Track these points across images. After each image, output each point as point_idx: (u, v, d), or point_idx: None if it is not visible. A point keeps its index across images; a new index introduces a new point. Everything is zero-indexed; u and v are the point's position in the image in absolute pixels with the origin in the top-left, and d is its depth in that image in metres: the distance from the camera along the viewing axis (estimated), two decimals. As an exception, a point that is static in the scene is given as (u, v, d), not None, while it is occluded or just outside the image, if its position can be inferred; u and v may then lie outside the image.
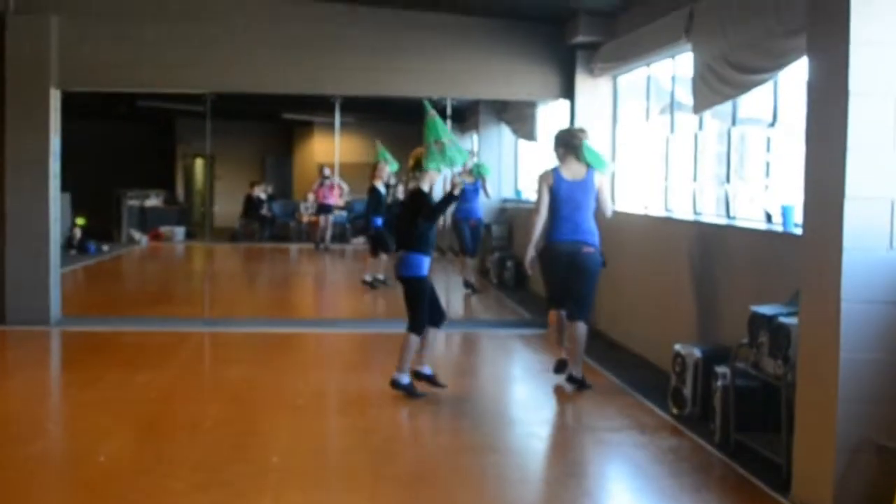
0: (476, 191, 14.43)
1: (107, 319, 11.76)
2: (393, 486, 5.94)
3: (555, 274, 8.32)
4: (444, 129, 8.33)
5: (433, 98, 12.47)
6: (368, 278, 14.94)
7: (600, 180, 8.27)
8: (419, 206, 7.86)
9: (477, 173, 12.65)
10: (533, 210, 8.36)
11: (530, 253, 8.37)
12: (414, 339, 7.84)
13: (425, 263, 7.89)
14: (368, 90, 11.83)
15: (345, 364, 9.79)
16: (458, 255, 15.20)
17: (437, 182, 8.06)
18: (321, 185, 21.32)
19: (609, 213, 8.44)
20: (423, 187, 7.93)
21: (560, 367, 8.50)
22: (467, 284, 14.59)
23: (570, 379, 8.23)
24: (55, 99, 11.07)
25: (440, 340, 10.81)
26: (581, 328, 8.19)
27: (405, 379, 7.82)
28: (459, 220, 14.45)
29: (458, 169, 9.04)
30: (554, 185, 8.19)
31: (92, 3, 11.23)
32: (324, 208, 21.34)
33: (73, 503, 5.55)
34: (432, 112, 8.32)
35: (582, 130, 8.45)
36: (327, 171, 20.98)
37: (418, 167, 8.00)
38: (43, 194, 11.01)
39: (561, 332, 8.50)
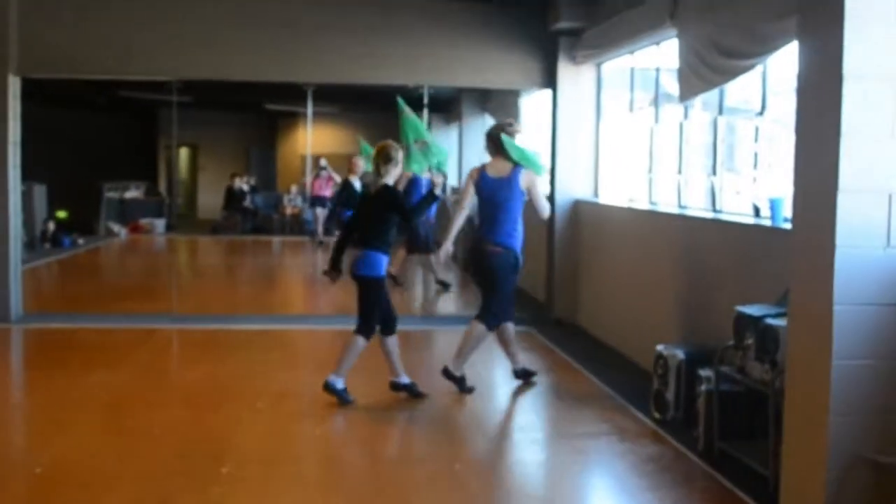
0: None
1: (70, 316, 11.30)
2: (344, 501, 5.50)
3: (475, 274, 8.24)
4: (423, 128, 8.00)
5: (409, 86, 12.11)
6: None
7: (528, 179, 7.84)
8: (389, 204, 7.41)
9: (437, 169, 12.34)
10: (455, 203, 8.10)
11: (446, 247, 8.16)
12: (360, 343, 7.40)
13: (384, 263, 7.48)
14: (343, 78, 11.35)
15: (314, 363, 9.31)
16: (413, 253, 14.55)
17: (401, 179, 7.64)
18: (317, 176, 20.86)
19: (544, 214, 8.12)
20: (389, 182, 7.48)
21: (526, 374, 8.24)
22: (441, 283, 14.15)
23: (445, 372, 7.90)
24: (14, 86, 10.58)
25: (415, 337, 10.43)
26: (478, 328, 7.88)
27: (340, 383, 7.37)
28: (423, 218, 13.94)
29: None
30: (479, 182, 7.88)
31: (52, -16, 10.76)
32: (318, 201, 20.84)
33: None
34: (407, 110, 7.99)
35: (510, 125, 8.07)
36: (324, 163, 20.55)
37: (385, 161, 7.49)
38: (2, 187, 10.53)
39: (504, 339, 8.18)
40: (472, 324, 7.91)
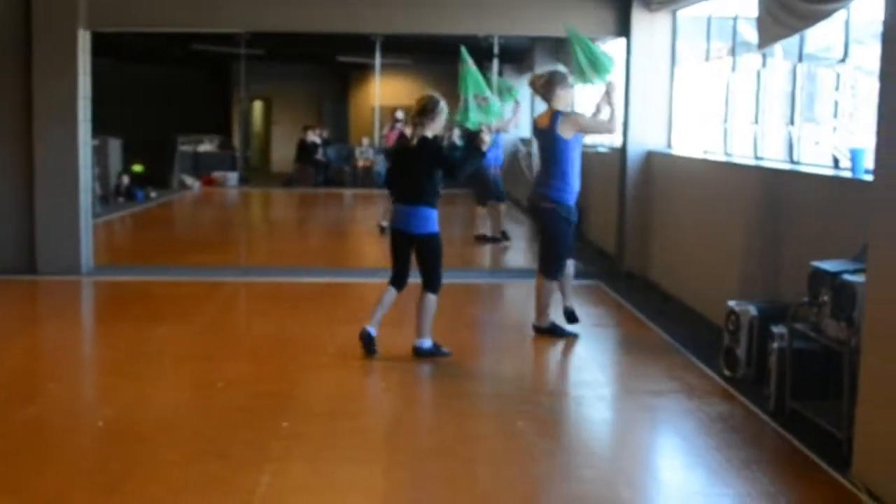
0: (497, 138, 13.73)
1: (140, 269, 11.39)
2: (408, 458, 5.44)
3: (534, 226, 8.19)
4: (484, 84, 7.83)
5: (479, 35, 11.87)
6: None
7: (570, 123, 7.69)
8: (432, 156, 7.20)
9: (508, 97, 12.13)
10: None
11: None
12: (433, 299, 7.27)
13: (436, 218, 7.29)
14: (409, 28, 11.15)
15: (386, 319, 9.28)
16: (485, 205, 14.30)
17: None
18: (392, 128, 20.63)
19: (611, 130, 8.10)
20: (428, 134, 7.27)
21: (570, 317, 8.14)
22: (504, 235, 13.98)
23: (536, 329, 8.00)
24: (84, 40, 10.60)
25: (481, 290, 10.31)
26: (542, 281, 7.87)
27: (427, 343, 7.28)
28: (487, 168, 13.73)
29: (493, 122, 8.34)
30: (532, 132, 7.78)
31: (122, -62, 10.74)
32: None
33: (57, 474, 5.07)
34: (470, 62, 7.78)
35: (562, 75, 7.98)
36: (400, 115, 20.30)
37: (421, 114, 7.21)
38: (72, 140, 10.58)
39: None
40: (538, 278, 7.87)
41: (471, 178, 13.07)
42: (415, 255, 7.35)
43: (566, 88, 7.84)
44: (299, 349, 7.70)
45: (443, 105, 7.24)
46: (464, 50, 7.93)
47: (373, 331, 7.28)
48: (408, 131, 7.36)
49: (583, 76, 8.00)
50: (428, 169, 7.17)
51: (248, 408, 6.14)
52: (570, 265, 8.06)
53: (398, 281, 7.42)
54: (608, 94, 7.95)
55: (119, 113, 20.76)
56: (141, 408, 6.17)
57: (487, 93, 7.89)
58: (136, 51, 21.10)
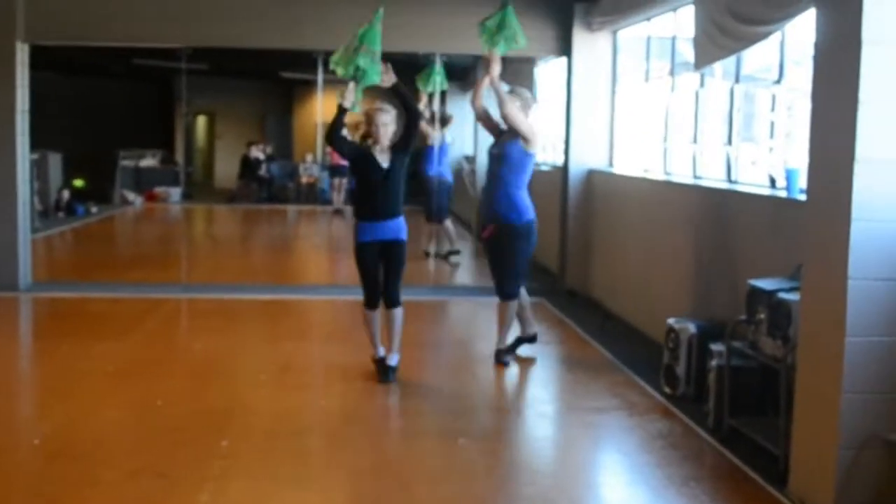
0: (445, 148, 13.72)
1: (79, 285, 11.22)
2: (347, 476, 5.41)
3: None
4: (378, 42, 7.28)
5: (419, 53, 11.87)
6: None
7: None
8: (405, 158, 7.23)
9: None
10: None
11: None
12: (402, 313, 7.28)
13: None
14: (353, 45, 11.14)
15: (323, 334, 9.26)
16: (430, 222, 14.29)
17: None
18: None
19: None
20: (387, 143, 7.20)
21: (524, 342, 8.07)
22: (452, 252, 13.99)
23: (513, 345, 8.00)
24: (22, 53, 10.46)
25: (423, 307, 10.32)
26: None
27: (394, 359, 7.27)
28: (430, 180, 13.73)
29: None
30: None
31: (60, -51, 10.61)
32: (338, 170, 20.55)
33: (-6, 493, 5.00)
34: (378, 24, 7.37)
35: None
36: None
37: (379, 125, 7.16)
38: (10, 154, 10.42)
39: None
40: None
41: (417, 194, 13.08)
42: (386, 266, 7.22)
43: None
44: (240, 366, 7.64)
45: (390, 109, 7.25)
46: (378, 12, 7.54)
47: (382, 352, 7.29)
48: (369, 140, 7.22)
49: (491, 40, 8.00)
50: (397, 178, 7.16)
51: (187, 426, 6.07)
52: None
53: (377, 299, 7.27)
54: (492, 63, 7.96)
55: (60, 127, 20.51)
56: (78, 426, 6.08)
57: (377, 48, 7.26)
58: (78, 64, 20.87)
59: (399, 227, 7.19)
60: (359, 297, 7.41)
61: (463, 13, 10.74)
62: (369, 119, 7.25)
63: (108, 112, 23.98)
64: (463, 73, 19.60)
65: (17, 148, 10.47)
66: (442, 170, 13.64)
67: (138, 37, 11.05)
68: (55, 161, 19.43)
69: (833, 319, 4.68)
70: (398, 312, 7.22)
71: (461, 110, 20.17)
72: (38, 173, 16.03)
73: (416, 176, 12.56)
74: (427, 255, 13.94)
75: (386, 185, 7.14)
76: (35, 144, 11.03)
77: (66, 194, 19.34)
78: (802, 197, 5.91)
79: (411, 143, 7.25)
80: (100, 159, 22.53)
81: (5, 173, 10.41)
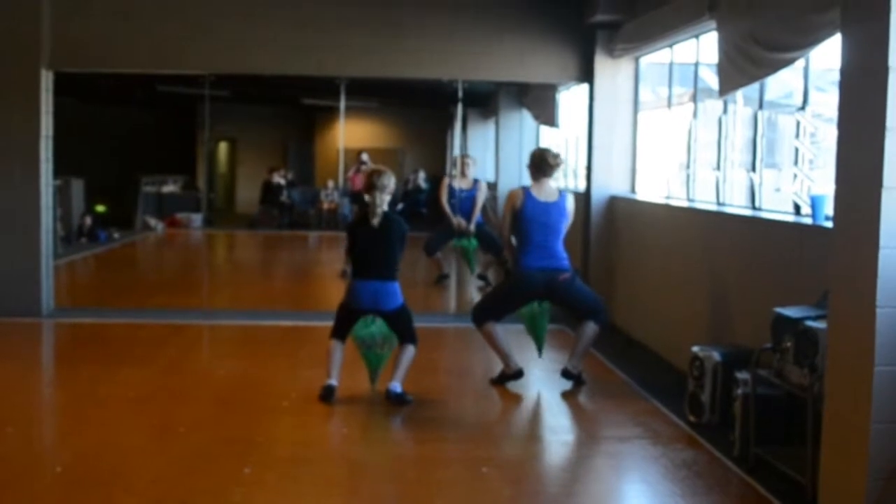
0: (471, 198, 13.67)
1: (101, 311, 11.25)
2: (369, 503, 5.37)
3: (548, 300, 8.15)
4: None
5: (444, 80, 11.90)
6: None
7: (569, 197, 7.98)
8: (399, 235, 7.33)
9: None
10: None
11: None
12: (414, 351, 7.42)
13: (400, 290, 7.45)
14: (375, 72, 11.14)
15: (347, 363, 9.20)
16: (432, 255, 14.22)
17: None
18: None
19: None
20: (385, 207, 7.36)
21: (513, 377, 7.99)
22: (482, 277, 13.96)
23: (566, 373, 7.97)
24: (46, 80, 10.55)
25: (448, 334, 10.30)
26: (590, 326, 7.96)
27: (400, 388, 7.28)
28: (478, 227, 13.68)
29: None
30: (524, 204, 7.82)
31: (85, -21, 10.71)
32: (359, 197, 20.52)
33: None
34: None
35: (556, 156, 8.03)
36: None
37: (375, 188, 7.28)
38: (33, 180, 10.49)
39: (501, 343, 7.98)
40: (585, 324, 7.99)
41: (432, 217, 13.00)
42: (388, 326, 7.41)
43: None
44: (262, 393, 7.62)
45: (390, 175, 7.36)
46: None
47: (335, 383, 7.31)
48: (367, 198, 7.32)
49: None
50: (395, 245, 7.27)
51: (209, 453, 6.06)
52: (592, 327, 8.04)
53: (343, 337, 7.48)
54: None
55: (83, 153, 20.65)
56: (100, 452, 6.07)
57: None
58: (101, 91, 21.03)
59: (382, 292, 7.27)
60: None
61: (484, 41, 10.84)
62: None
63: (130, 138, 24.15)
64: (485, 100, 19.66)
65: (41, 174, 10.53)
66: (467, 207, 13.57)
67: (161, 64, 11.13)
68: (78, 187, 19.54)
69: (861, 348, 4.63)
70: (405, 348, 7.37)
71: (482, 135, 20.28)
72: (61, 199, 16.08)
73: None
74: (445, 276, 14.02)
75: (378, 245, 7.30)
76: (58, 170, 11.08)
77: (88, 220, 19.43)
78: (828, 224, 5.87)
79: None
80: (122, 185, 22.68)
81: (29, 199, 10.47)
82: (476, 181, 13.55)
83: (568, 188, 13.07)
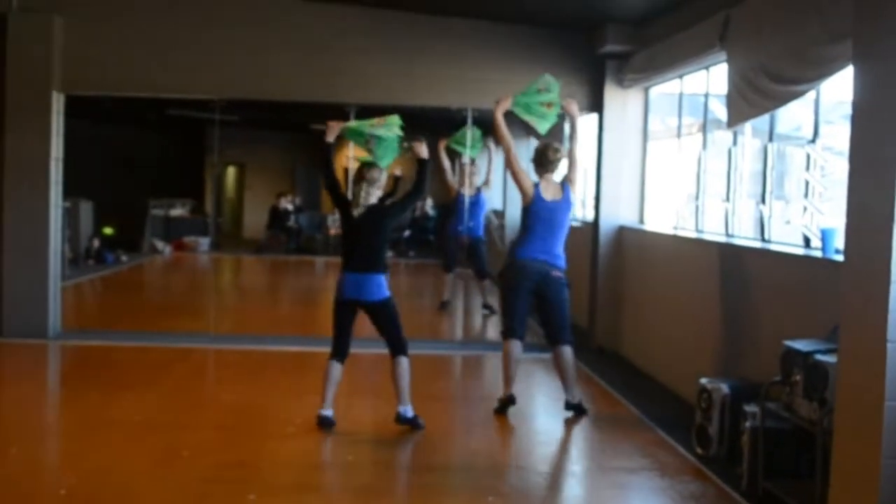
0: (479, 203, 13.79)
1: (108, 333, 11.25)
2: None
3: (533, 297, 8.02)
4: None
5: (452, 108, 11.93)
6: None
7: (572, 189, 8.03)
8: (386, 215, 7.30)
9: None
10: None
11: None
12: (408, 363, 7.30)
13: (386, 283, 7.40)
14: (383, 99, 11.15)
15: (350, 388, 9.16)
16: (450, 271, 14.24)
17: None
18: None
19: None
20: (374, 200, 7.34)
21: (508, 403, 7.91)
22: (486, 306, 13.94)
23: (568, 405, 7.89)
24: (58, 103, 10.59)
25: (455, 363, 10.26)
26: (567, 351, 7.90)
27: (410, 411, 7.24)
28: (458, 235, 13.76)
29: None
30: (533, 199, 7.87)
31: (97, 3, 10.76)
32: None
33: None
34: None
35: (556, 149, 8.08)
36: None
37: (365, 181, 7.30)
38: (43, 203, 10.53)
39: (513, 365, 7.92)
40: (561, 350, 7.92)
41: (439, 245, 13.02)
42: (374, 324, 7.39)
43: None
44: (267, 418, 7.60)
45: (381, 169, 7.40)
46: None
47: (329, 413, 7.25)
48: (353, 189, 7.34)
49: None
50: (379, 238, 7.24)
51: (213, 478, 6.03)
52: (569, 350, 8.00)
53: (342, 353, 7.42)
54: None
55: (91, 175, 20.69)
56: (105, 476, 6.05)
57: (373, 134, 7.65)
58: (111, 113, 21.11)
59: (367, 282, 7.24)
60: (383, 350, 7.41)
61: (494, 68, 10.87)
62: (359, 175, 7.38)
63: (139, 161, 24.19)
64: (492, 127, 19.64)
65: (51, 196, 10.56)
66: (472, 224, 13.65)
67: (172, 88, 11.18)
68: (86, 209, 19.57)
69: (871, 383, 4.60)
70: (398, 363, 7.30)
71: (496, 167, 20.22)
72: (69, 221, 16.11)
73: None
74: (446, 304, 14.02)
75: (359, 237, 7.26)
76: (67, 192, 11.11)
77: (96, 242, 19.46)
78: (838, 257, 5.85)
79: (400, 213, 7.40)
80: (130, 208, 22.71)
81: (38, 221, 10.50)
82: (478, 189, 13.84)
83: (576, 217, 13.05)
